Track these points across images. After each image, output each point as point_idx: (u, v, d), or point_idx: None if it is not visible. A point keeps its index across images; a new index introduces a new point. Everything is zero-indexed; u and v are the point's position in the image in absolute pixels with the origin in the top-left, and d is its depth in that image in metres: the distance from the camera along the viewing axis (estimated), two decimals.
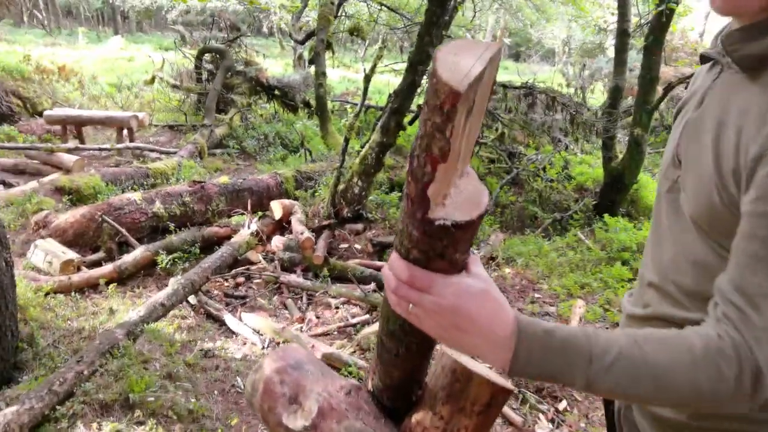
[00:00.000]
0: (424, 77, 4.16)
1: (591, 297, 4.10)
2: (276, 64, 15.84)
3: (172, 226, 4.33)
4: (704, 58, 0.93)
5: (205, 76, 9.37)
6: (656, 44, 5.30)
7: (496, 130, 6.56)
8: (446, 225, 0.67)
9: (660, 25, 5.21)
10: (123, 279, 3.92)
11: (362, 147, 5.00)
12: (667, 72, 8.00)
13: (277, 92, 9.41)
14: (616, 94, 5.87)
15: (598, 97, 11.04)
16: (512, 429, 2.67)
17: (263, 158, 7.79)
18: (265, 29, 18.31)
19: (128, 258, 3.95)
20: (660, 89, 5.65)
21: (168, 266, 4.05)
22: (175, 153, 7.07)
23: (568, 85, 9.51)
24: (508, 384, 1.20)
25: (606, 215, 5.36)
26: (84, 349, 2.87)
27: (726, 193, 0.76)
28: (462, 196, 0.71)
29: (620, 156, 5.81)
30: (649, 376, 0.68)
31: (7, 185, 5.66)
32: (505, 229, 5.66)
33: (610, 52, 13.61)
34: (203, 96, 9.04)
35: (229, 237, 4.54)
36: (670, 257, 0.93)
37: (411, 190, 0.68)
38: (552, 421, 2.73)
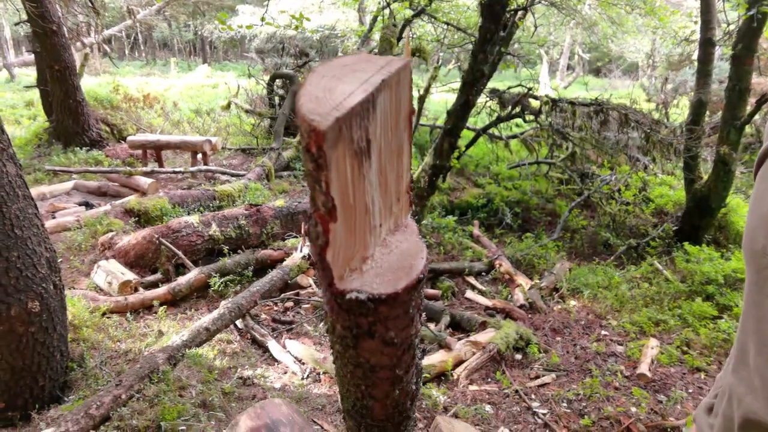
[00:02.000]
0: (480, 97, 3.96)
1: (667, 336, 3.67)
2: None
3: (226, 249, 4.37)
4: None
5: (276, 101, 9.63)
6: (746, 52, 4.78)
7: (567, 149, 6.19)
8: (360, 299, 0.51)
9: (751, 31, 4.71)
10: (177, 301, 3.98)
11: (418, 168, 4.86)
12: (761, 83, 7.26)
13: None
14: (699, 109, 5.36)
15: (683, 111, 10.27)
16: None
17: None
18: (340, 53, 18.77)
19: (182, 280, 4.01)
20: (753, 101, 5.09)
21: (220, 289, 4.07)
22: (243, 175, 7.26)
23: (648, 101, 8.86)
24: None
25: (688, 243, 4.85)
26: (125, 373, 2.89)
27: None
28: (390, 258, 0.55)
29: (705, 177, 5.28)
30: None
31: (89, 206, 6.00)
32: (574, 256, 5.27)
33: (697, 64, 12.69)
34: (274, 120, 9.28)
35: (282, 260, 4.51)
36: None
37: (312, 252, 0.52)
38: None
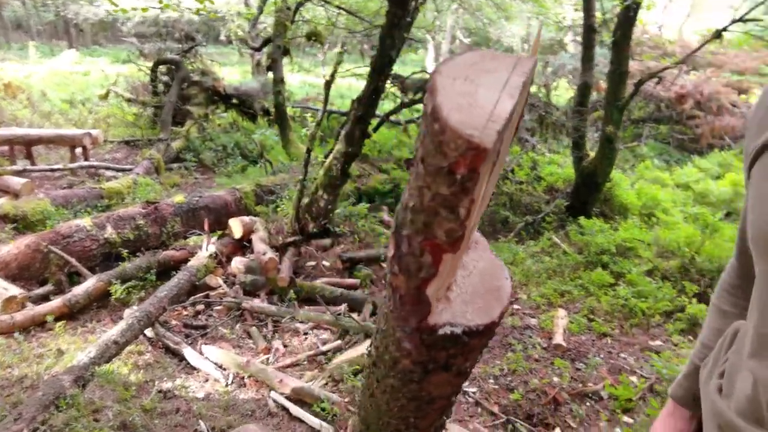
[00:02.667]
0: (388, 81, 3.93)
1: (572, 305, 3.94)
2: (234, 72, 15.39)
3: (125, 252, 3.99)
4: None
5: (161, 88, 8.94)
6: (624, 39, 5.20)
7: None
8: (456, 333, 0.44)
9: (627, 19, 5.12)
10: (74, 313, 3.57)
11: (326, 157, 4.75)
12: (632, 66, 7.99)
13: (234, 101, 9.06)
14: (584, 91, 5.77)
15: (561, 93, 11.04)
16: None
17: (222, 170, 7.45)
18: (222, 37, 17.81)
19: (79, 290, 3.59)
20: (630, 84, 5.56)
21: (123, 296, 3.71)
22: (130, 170, 6.68)
23: (531, 83, 9.37)
24: None
25: (580, 217, 5.24)
26: (24, 403, 2.54)
27: None
28: (472, 280, 0.48)
29: (591, 154, 5.71)
30: None
31: None
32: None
33: (570, 48, 13.68)
34: (159, 109, 8.63)
35: (186, 260, 4.21)
36: None
37: (399, 284, 0.44)
38: None
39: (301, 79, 15.94)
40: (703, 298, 3.95)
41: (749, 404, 0.72)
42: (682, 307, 3.80)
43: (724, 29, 4.47)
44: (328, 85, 4.27)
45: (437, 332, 0.44)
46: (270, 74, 8.12)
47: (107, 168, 6.98)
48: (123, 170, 6.90)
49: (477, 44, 27.07)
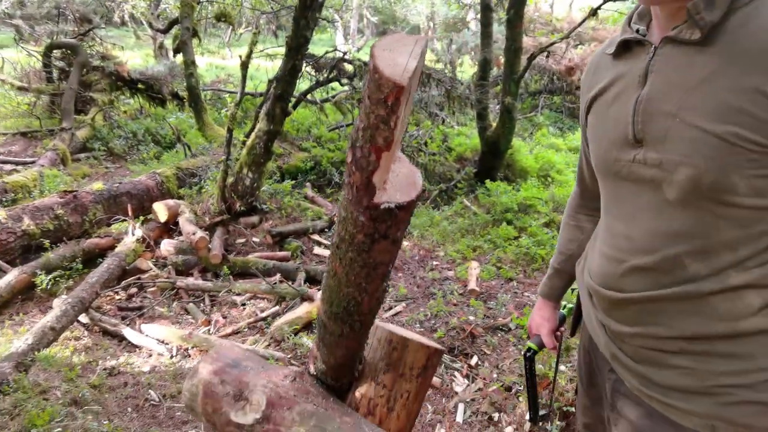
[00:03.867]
0: (305, 63, 4.14)
1: (483, 257, 4.41)
2: (134, 56, 14.71)
3: (47, 242, 3.95)
4: (626, 44, 1.01)
5: (55, 74, 8.48)
6: (516, 18, 5.69)
7: None
8: (390, 207, 0.73)
9: (518, 0, 5.60)
10: None
11: (247, 137, 4.88)
12: (526, 42, 8.63)
13: (141, 86, 8.79)
14: (485, 66, 6.25)
15: (466, 69, 11.63)
16: (432, 391, 2.84)
17: (134, 158, 7.29)
18: (116, 18, 16.85)
19: (1, 283, 3.55)
20: (524, 59, 6.09)
21: (49, 287, 3.70)
22: (33, 163, 6.40)
23: (437, 61, 9.87)
24: (438, 345, 1.31)
25: (487, 181, 5.75)
26: None
27: (752, 142, 0.81)
28: (399, 179, 0.77)
29: (494, 125, 6.22)
30: None
31: None
32: None
33: (473, 26, 14.35)
34: (57, 96, 8.20)
35: (112, 247, 4.23)
36: (649, 235, 0.97)
37: (355, 179, 0.72)
38: (467, 376, 2.95)
39: (208, 61, 15.52)
40: None
41: (607, 275, 1.08)
42: None
43: (599, 8, 5.06)
44: (244, 65, 4.39)
45: (380, 207, 0.73)
46: (177, 57, 7.96)
47: (5, 162, 6.63)
48: (24, 163, 6.60)
49: (384, 23, 27.41)
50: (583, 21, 5.31)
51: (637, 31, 1.01)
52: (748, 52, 0.82)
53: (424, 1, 17.45)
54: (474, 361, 3.05)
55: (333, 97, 7.42)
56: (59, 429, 2.43)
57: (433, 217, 5.14)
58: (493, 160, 6.20)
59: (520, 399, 2.68)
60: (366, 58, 7.41)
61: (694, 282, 0.92)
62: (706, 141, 0.85)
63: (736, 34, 0.84)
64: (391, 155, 0.69)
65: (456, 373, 2.97)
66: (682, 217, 0.92)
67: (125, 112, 8.86)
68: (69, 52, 8.19)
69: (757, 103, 0.81)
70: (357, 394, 1.26)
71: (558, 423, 2.50)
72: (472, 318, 3.39)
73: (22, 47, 8.47)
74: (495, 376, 2.90)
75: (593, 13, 5.05)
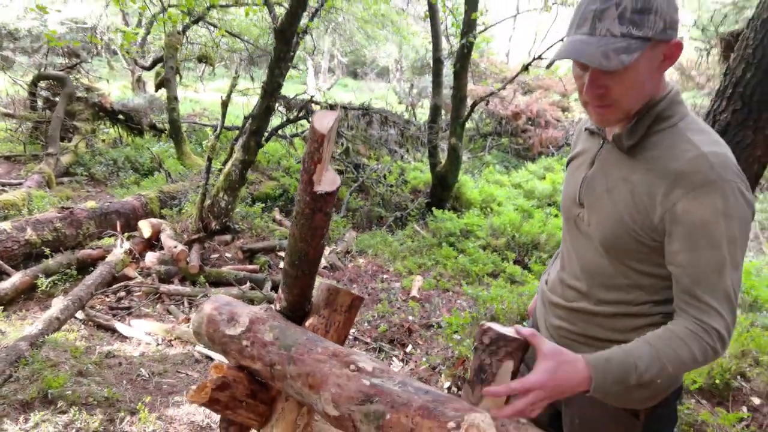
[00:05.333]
0: (278, 103, 4.89)
1: (426, 272, 5.17)
2: (109, 87, 15.28)
3: (48, 250, 4.53)
4: (589, 130, 1.38)
5: (40, 103, 9.06)
6: (462, 70, 6.64)
7: (342, 145, 7.51)
8: (322, 193, 1.48)
9: (463, 55, 6.55)
10: (3, 305, 4.07)
11: (223, 165, 5.58)
12: (476, 90, 9.66)
13: (121, 117, 9.42)
14: (435, 111, 7.16)
15: (425, 111, 12.63)
16: None
17: (115, 183, 7.86)
18: (92, 49, 17.45)
19: (6, 284, 4.11)
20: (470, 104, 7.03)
21: (48, 288, 4.27)
22: (20, 184, 6.92)
23: (400, 102, 10.82)
24: (360, 295, 2.05)
25: (435, 210, 6.56)
26: None
27: (635, 230, 1.18)
28: (328, 179, 1.52)
29: (443, 162, 7.09)
30: (669, 366, 1.11)
31: None
32: (357, 228, 6.60)
33: None
34: (40, 124, 8.76)
35: (103, 258, 4.82)
36: (579, 267, 1.36)
37: (304, 178, 1.47)
38: (402, 360, 3.65)
39: (182, 94, 16.19)
40: (519, 262, 5.37)
41: (554, 284, 1.49)
42: (504, 269, 5.18)
43: (529, 64, 6.02)
44: (224, 104, 5.14)
45: (317, 193, 1.47)
46: (157, 92, 8.65)
47: None
48: (11, 184, 7.11)
49: (355, 63, 28.70)
50: (516, 76, 6.28)
51: None
52: (652, 170, 1.15)
53: (393, 45, 18.64)
54: (409, 349, 3.77)
55: (302, 133, 8.21)
56: (70, 392, 3.02)
57: (386, 239, 5.90)
58: (443, 192, 7.04)
59: (441, 375, 3.40)
60: (333, 98, 8.25)
61: (599, 305, 1.32)
62: (614, 219, 1.21)
63: (648, 153, 1.18)
64: (323, 167, 1.44)
65: (394, 359, 3.68)
66: (602, 262, 1.28)
67: (103, 140, 9.44)
68: (56, 83, 8.79)
69: (647, 207, 1.15)
70: (306, 323, 1.97)
71: None
72: (411, 317, 4.12)
73: (9, 77, 9.03)
74: (424, 359, 3.62)
75: (524, 69, 6.01)
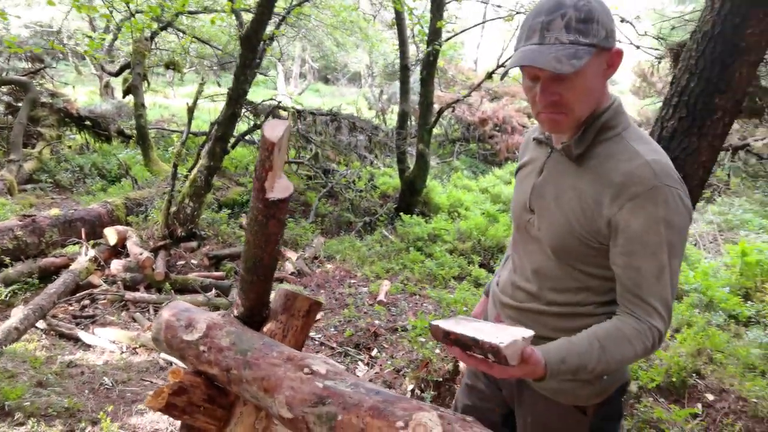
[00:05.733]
0: (243, 109, 4.90)
1: (394, 277, 5.23)
2: (76, 93, 15.01)
3: (8, 259, 4.44)
4: (537, 139, 1.43)
5: (2, 109, 8.84)
6: (429, 77, 6.75)
7: (311, 150, 7.54)
8: (275, 200, 1.53)
9: (429, 63, 6.66)
10: None
11: (190, 171, 5.55)
12: (444, 96, 9.80)
13: (88, 123, 9.27)
14: (403, 117, 7.25)
15: (396, 118, 12.74)
16: None
17: (80, 190, 7.73)
18: (59, 53, 17.11)
19: None
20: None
21: (8, 298, 4.19)
22: None
23: (370, 108, 10.89)
24: (319, 300, 2.09)
25: (403, 214, 6.63)
26: None
27: (582, 235, 1.25)
28: (280, 186, 1.57)
29: (412, 167, 7.17)
30: (614, 361, 1.19)
31: None
32: (326, 234, 6.63)
33: None
34: (2, 130, 8.56)
35: (66, 266, 4.75)
36: (530, 269, 1.41)
37: (257, 185, 1.51)
38: (368, 364, 3.70)
39: (151, 100, 15.99)
40: (485, 266, 5.47)
41: (505, 286, 1.55)
42: (470, 272, 5.28)
43: (493, 72, 6.16)
44: (191, 110, 5.12)
45: (270, 200, 1.51)
46: (125, 98, 8.55)
47: None
48: None
49: (326, 68, 28.73)
50: (481, 83, 6.42)
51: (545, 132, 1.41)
52: (599, 178, 1.23)
53: (364, 52, 18.74)
54: (374, 353, 3.81)
55: None
56: (28, 403, 2.98)
57: (355, 244, 5.94)
58: (411, 197, 7.12)
59: (405, 377, 3.45)
60: (302, 104, 8.28)
61: (548, 306, 1.39)
62: (562, 224, 1.28)
63: (594, 161, 1.25)
64: (274, 174, 1.49)
65: (359, 363, 3.72)
66: (551, 265, 1.35)
67: (70, 147, 9.27)
68: (18, 88, 8.61)
69: (593, 212, 1.22)
70: (264, 328, 2.01)
71: (432, 392, 3.29)
72: (377, 321, 4.17)
73: None
74: (389, 363, 3.67)
75: (488, 76, 6.14)
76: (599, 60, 1.19)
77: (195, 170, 5.24)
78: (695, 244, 7.10)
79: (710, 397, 3.50)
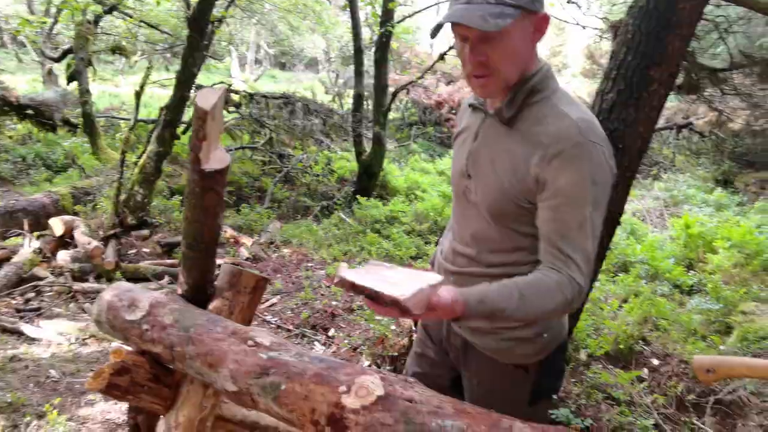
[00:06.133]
0: (192, 92, 4.79)
1: (353, 259, 5.23)
2: (18, 80, 14.31)
3: None
4: (472, 105, 1.47)
5: None
6: (382, 59, 6.72)
7: (265, 135, 7.43)
8: (211, 170, 1.50)
9: (383, 44, 6.64)
10: None
11: (139, 158, 5.39)
12: (400, 80, 9.80)
13: (30, 111, 8.86)
14: (358, 100, 7.22)
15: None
16: None
17: (23, 182, 7.41)
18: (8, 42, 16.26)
19: None
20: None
21: None
22: None
23: (326, 92, 10.79)
24: (266, 276, 2.07)
25: (362, 198, 6.63)
26: None
27: (515, 196, 1.28)
28: (217, 157, 1.54)
29: (368, 150, 7.16)
30: (533, 310, 1.23)
31: None
32: (283, 219, 6.57)
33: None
34: None
35: (8, 259, 4.56)
36: (469, 234, 1.45)
37: (192, 157, 1.48)
38: (324, 344, 3.70)
39: (100, 88, 15.41)
40: None
41: (447, 253, 1.58)
42: (426, 252, 5.33)
43: (445, 53, 6.19)
44: (138, 95, 4.96)
45: (206, 170, 1.48)
46: (71, 85, 8.21)
47: None
48: None
49: (282, 53, 28.27)
50: (434, 64, 6.44)
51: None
52: (528, 139, 1.27)
53: (321, 37, 18.51)
54: (331, 332, 3.82)
55: (224, 123, 8.03)
56: None
57: (311, 228, 5.91)
58: (368, 180, 7.12)
59: (362, 355, 3.48)
60: (259, 89, 8.12)
61: (488, 268, 1.43)
62: (496, 187, 1.33)
63: (524, 123, 1.29)
64: (209, 144, 1.46)
65: (316, 343, 3.72)
66: (488, 228, 1.39)
67: (11, 137, 8.85)
68: None
69: (524, 173, 1.26)
70: (210, 306, 1.98)
71: (388, 367, 3.32)
72: (334, 302, 4.17)
73: None
74: (346, 341, 3.69)
75: (441, 57, 6.17)
76: (526, 23, 1.22)
77: (144, 156, 5.09)
78: (643, 220, 7.37)
79: (655, 361, 3.66)
